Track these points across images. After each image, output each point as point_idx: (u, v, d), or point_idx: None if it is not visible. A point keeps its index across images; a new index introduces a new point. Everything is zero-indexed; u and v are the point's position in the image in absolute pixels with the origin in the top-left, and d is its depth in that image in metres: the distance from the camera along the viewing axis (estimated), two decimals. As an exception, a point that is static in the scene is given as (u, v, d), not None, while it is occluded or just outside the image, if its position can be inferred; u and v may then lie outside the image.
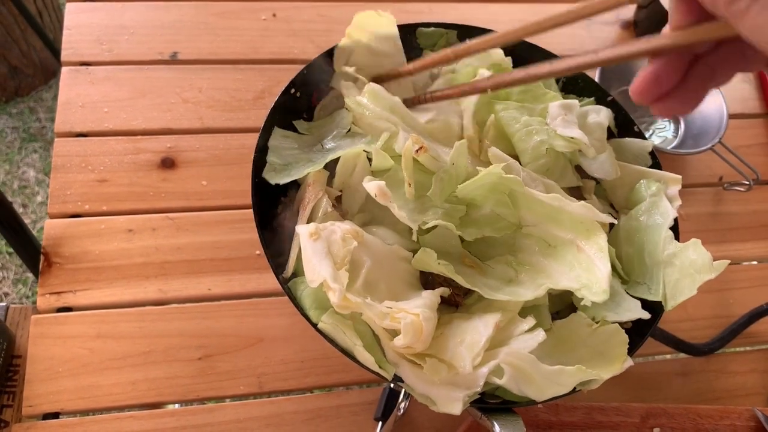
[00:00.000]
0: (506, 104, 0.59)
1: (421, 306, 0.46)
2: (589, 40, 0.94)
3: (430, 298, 0.48)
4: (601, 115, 0.62)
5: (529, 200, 0.51)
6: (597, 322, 0.50)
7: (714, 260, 0.49)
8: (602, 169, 0.59)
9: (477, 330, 0.46)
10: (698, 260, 0.48)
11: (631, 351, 0.49)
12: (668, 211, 0.55)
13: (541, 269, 0.50)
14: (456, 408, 0.44)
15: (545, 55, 0.64)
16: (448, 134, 0.59)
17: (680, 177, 0.58)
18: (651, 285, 0.52)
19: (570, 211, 0.49)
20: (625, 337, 0.48)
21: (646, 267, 0.54)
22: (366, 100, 0.56)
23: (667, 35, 0.35)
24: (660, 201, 0.56)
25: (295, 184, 0.57)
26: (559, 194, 0.53)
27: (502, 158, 0.54)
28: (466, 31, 0.65)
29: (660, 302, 0.50)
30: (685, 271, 0.49)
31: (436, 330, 0.47)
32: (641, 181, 0.59)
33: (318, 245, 0.47)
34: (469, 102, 0.60)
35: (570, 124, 0.57)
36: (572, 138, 0.55)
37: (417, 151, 0.50)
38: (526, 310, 0.49)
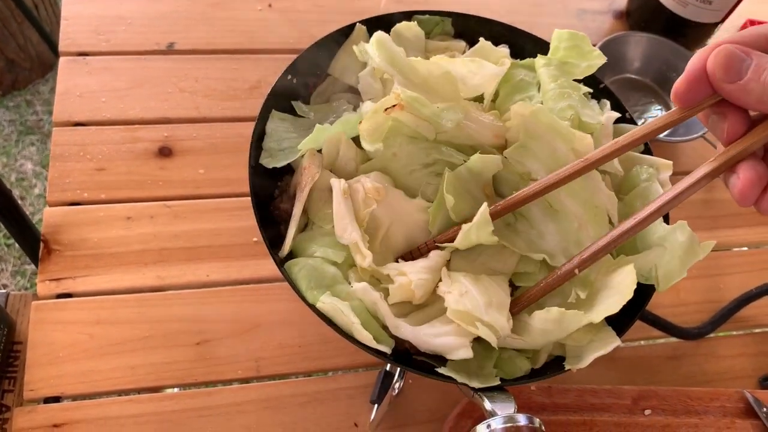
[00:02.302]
0: (549, 60, 0.59)
1: (421, 270, 0.47)
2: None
3: (436, 259, 0.49)
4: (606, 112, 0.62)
5: (557, 163, 0.51)
6: None
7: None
8: (611, 164, 0.60)
9: (497, 291, 0.48)
10: (686, 242, 0.49)
11: (622, 332, 0.50)
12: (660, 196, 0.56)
13: (535, 224, 0.51)
14: (468, 352, 0.46)
15: (539, 43, 0.65)
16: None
17: (671, 162, 0.59)
18: (643, 269, 0.53)
19: (598, 196, 0.50)
20: (635, 278, 0.48)
21: (638, 251, 0.54)
22: (371, 48, 0.56)
23: (730, 148, 0.41)
24: (652, 186, 0.57)
25: (291, 170, 0.58)
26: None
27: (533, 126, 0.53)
28: (460, 19, 0.66)
29: (650, 285, 0.51)
30: (675, 253, 0.50)
31: (462, 286, 0.48)
32: (635, 167, 0.60)
33: (348, 204, 0.50)
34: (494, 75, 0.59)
35: None
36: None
37: (390, 108, 0.51)
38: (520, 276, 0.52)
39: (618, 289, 0.49)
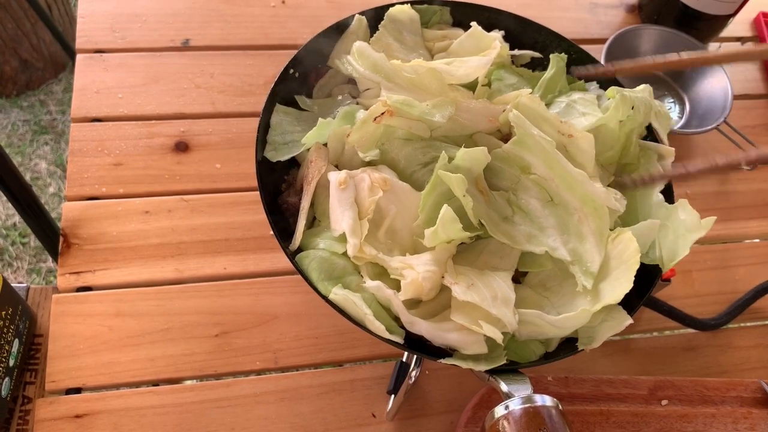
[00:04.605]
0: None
1: (428, 262, 0.47)
2: (594, 23, 0.95)
3: (441, 252, 0.49)
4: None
5: (551, 159, 0.51)
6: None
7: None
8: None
9: (501, 286, 0.48)
10: (688, 220, 0.50)
11: (633, 311, 0.50)
12: (659, 171, 0.56)
13: (535, 218, 0.51)
14: (482, 347, 0.47)
15: (538, 30, 0.65)
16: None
17: (673, 149, 0.59)
18: (648, 250, 0.53)
19: (591, 191, 0.50)
20: (637, 246, 0.48)
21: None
22: (352, 59, 0.57)
23: None
24: (651, 166, 0.57)
25: (298, 164, 0.59)
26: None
27: (523, 123, 0.53)
28: (458, 8, 0.66)
29: (656, 264, 0.52)
30: (678, 231, 0.50)
31: (468, 279, 0.48)
32: (632, 148, 0.60)
33: (344, 194, 0.50)
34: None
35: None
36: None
37: (379, 116, 0.51)
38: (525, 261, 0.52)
39: (621, 259, 0.49)
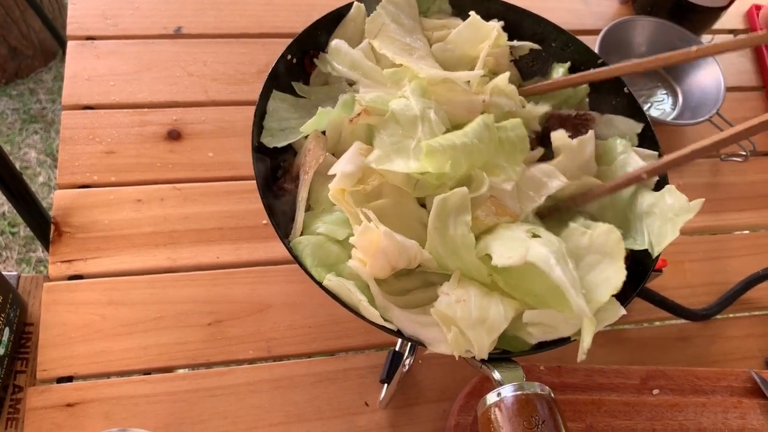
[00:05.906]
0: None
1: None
2: (588, 14, 0.95)
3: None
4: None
5: None
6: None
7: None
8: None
9: (499, 312, 0.46)
10: (676, 204, 0.50)
11: (625, 302, 0.49)
12: (639, 165, 0.56)
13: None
14: (446, 348, 0.46)
15: (536, 20, 0.65)
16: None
17: (656, 153, 0.59)
18: (636, 237, 0.53)
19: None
20: (618, 234, 0.48)
21: (630, 222, 0.55)
22: (330, 57, 0.57)
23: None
24: (629, 158, 0.57)
25: (293, 151, 0.58)
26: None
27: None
28: None
29: (647, 251, 0.52)
30: (666, 216, 0.50)
31: (465, 293, 0.47)
32: (609, 140, 0.60)
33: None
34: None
35: None
36: None
37: (355, 117, 0.52)
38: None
39: (605, 251, 0.48)
